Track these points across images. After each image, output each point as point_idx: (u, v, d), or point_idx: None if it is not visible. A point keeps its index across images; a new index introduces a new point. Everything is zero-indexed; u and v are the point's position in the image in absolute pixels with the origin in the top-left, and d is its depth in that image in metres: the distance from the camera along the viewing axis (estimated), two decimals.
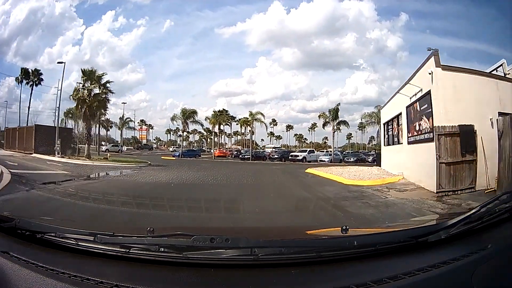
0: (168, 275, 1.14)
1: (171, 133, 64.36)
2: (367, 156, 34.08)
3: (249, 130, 42.47)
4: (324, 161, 30.60)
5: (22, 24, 41.83)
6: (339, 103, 38.29)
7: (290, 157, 32.83)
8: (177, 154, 35.50)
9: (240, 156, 37.21)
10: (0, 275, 1.11)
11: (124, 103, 44.68)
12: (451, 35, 66.23)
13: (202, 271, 1.15)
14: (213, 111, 41.77)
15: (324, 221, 5.42)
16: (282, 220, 5.27)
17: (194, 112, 37.16)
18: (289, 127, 66.99)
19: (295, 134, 68.69)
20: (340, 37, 65.76)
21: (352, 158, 32.09)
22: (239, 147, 56.49)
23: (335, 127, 36.93)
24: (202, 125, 39.68)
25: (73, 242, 1.26)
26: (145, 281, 1.09)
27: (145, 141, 61.98)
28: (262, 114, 39.09)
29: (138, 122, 60.26)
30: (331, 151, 38.16)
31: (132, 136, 61.92)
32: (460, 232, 1.33)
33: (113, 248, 1.22)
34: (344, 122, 37.40)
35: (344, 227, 1.46)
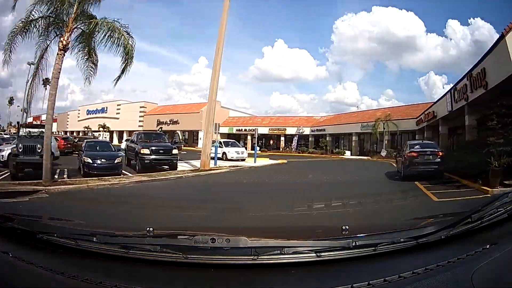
0: (168, 275, 1.14)
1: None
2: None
3: None
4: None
5: None
6: None
7: None
8: None
9: None
10: (0, 275, 1.11)
11: None
12: None
13: (203, 271, 1.15)
14: None
15: (325, 223, 5.44)
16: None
17: None
18: None
19: None
20: None
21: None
22: None
23: None
24: None
25: (73, 242, 1.26)
26: (145, 281, 1.09)
27: None
28: None
29: None
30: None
31: None
32: (460, 232, 1.33)
33: (113, 248, 1.22)
34: None
35: (344, 227, 1.46)
